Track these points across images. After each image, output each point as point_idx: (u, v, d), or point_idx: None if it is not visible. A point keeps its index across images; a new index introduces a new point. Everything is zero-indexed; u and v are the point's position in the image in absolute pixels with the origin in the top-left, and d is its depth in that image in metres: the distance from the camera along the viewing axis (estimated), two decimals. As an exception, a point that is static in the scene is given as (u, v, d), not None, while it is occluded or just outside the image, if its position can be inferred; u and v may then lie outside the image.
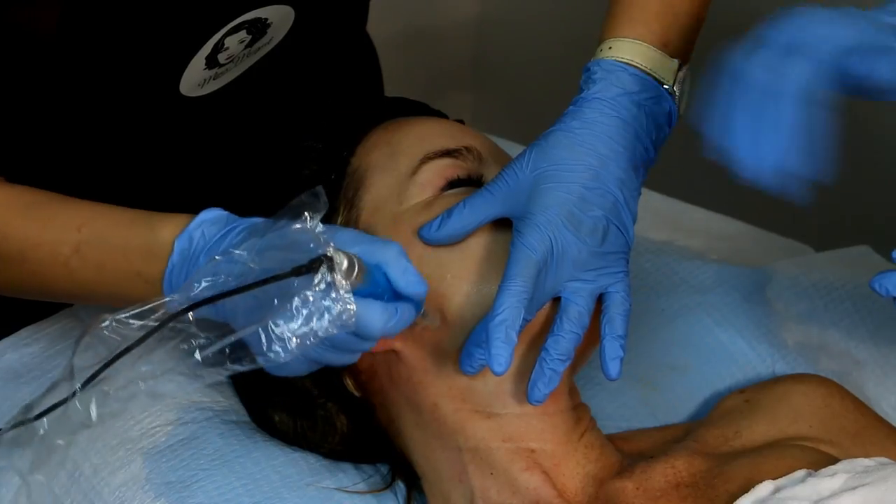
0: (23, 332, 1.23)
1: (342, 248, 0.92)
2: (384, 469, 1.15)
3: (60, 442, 0.94)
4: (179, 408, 1.15)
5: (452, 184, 1.08)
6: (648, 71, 1.07)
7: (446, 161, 1.09)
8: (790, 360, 1.27)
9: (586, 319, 1.03)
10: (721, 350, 1.28)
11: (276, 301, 0.91)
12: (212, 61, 1.12)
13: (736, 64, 0.93)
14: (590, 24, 2.06)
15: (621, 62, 1.06)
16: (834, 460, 1.07)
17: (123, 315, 0.93)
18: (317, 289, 0.91)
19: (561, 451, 1.07)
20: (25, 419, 0.95)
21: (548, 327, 1.03)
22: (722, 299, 1.31)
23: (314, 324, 0.91)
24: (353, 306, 0.91)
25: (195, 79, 1.12)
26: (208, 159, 1.22)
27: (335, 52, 1.29)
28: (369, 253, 0.94)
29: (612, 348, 1.02)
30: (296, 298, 0.91)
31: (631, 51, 1.07)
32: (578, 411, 1.09)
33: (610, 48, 1.07)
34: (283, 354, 0.91)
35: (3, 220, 1.05)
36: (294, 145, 1.13)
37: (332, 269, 0.91)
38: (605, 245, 1.03)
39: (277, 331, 0.91)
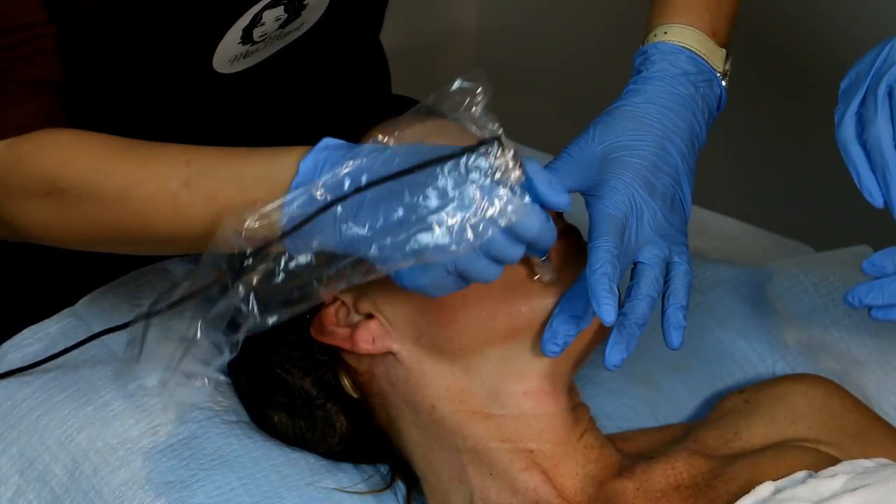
0: (25, 333, 1.23)
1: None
2: (384, 469, 1.15)
3: (222, 337, 0.91)
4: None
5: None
6: (702, 55, 1.09)
7: (445, 162, 1.09)
8: (790, 360, 1.27)
9: (661, 284, 1.03)
10: (721, 350, 1.28)
11: (448, 188, 0.83)
12: (247, 36, 1.12)
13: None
14: (586, 34, 2.07)
15: (678, 45, 1.08)
16: (834, 461, 1.07)
17: (268, 208, 0.87)
18: (497, 169, 0.83)
19: (560, 452, 1.07)
20: (172, 302, 0.91)
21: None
22: (722, 299, 1.31)
23: (490, 211, 0.82)
24: (526, 195, 0.84)
25: (228, 53, 1.12)
26: (219, 141, 1.22)
27: (354, 51, 1.30)
28: None
29: (675, 318, 1.02)
30: (471, 183, 0.83)
31: (685, 36, 1.09)
32: (578, 411, 1.09)
33: (665, 33, 1.09)
34: (455, 247, 0.84)
35: (103, 158, 1.00)
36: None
37: (503, 152, 0.83)
38: (672, 213, 1.04)
39: (451, 220, 0.83)
